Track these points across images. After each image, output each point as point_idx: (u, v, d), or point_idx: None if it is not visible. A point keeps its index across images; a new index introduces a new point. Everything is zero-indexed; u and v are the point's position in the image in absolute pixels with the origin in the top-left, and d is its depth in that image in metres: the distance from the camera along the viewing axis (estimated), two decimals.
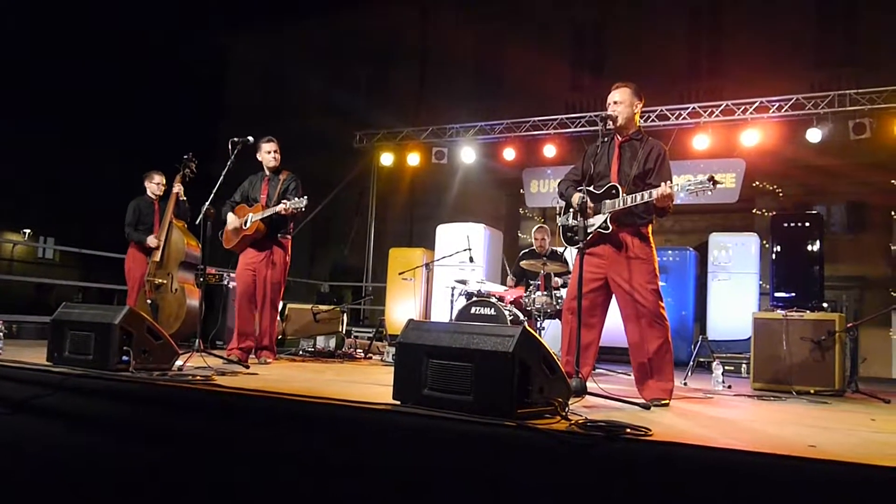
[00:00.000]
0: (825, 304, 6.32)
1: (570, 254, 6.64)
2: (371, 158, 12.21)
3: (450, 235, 9.56)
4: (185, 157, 6.31)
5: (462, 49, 16.48)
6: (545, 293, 6.42)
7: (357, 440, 2.74)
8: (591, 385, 3.63)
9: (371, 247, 12.48)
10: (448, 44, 16.68)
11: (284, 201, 5.25)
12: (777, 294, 6.73)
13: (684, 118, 9.68)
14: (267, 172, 5.67)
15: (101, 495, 2.97)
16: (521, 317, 6.46)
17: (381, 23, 17.96)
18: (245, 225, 5.47)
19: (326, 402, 2.97)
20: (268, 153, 5.63)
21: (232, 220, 5.55)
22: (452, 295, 7.03)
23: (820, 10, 13.80)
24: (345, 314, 7.71)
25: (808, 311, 5.43)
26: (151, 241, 6.37)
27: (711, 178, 3.75)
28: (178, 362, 4.20)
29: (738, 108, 9.35)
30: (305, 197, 5.20)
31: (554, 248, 7.26)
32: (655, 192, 3.73)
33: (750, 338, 5.58)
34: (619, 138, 4.06)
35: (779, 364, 5.22)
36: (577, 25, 16.03)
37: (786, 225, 6.96)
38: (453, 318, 6.69)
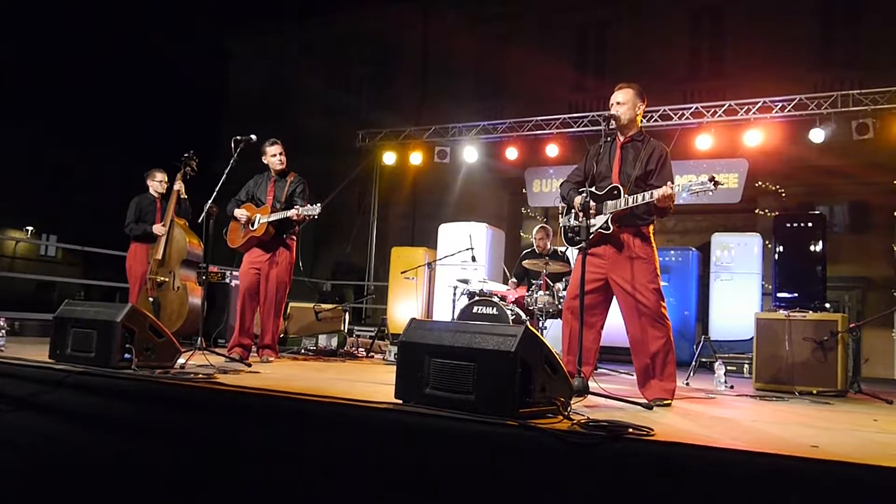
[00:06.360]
0: (828, 305, 6.31)
1: (572, 253, 6.63)
2: (373, 157, 12.20)
3: (452, 235, 9.55)
4: (186, 155, 6.29)
5: (464, 49, 16.46)
6: (547, 293, 6.42)
7: (359, 439, 2.74)
8: (592, 385, 3.63)
9: (373, 246, 12.48)
10: (449, 44, 16.66)
11: (297, 206, 5.23)
12: (779, 294, 6.73)
13: (687, 118, 9.66)
14: (273, 174, 5.63)
15: (102, 493, 2.97)
16: (524, 316, 6.45)
17: (382, 23, 17.97)
18: (253, 226, 5.44)
19: (328, 401, 2.97)
20: (273, 156, 5.57)
21: (241, 213, 5.48)
22: (454, 294, 7.03)
23: (822, 11, 13.78)
24: (347, 313, 7.71)
25: (810, 312, 5.43)
26: (157, 228, 6.33)
27: (712, 179, 3.75)
28: (181, 360, 4.20)
29: (741, 109, 9.32)
30: (319, 205, 5.17)
31: (555, 247, 7.25)
32: (657, 193, 3.74)
33: (752, 338, 5.58)
34: (621, 139, 4.06)
35: (781, 364, 5.22)
36: (579, 26, 16.03)
37: (788, 225, 6.95)
38: (455, 317, 6.69)
